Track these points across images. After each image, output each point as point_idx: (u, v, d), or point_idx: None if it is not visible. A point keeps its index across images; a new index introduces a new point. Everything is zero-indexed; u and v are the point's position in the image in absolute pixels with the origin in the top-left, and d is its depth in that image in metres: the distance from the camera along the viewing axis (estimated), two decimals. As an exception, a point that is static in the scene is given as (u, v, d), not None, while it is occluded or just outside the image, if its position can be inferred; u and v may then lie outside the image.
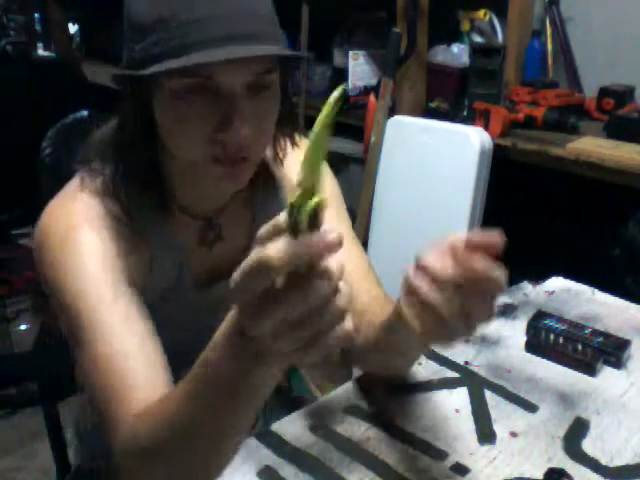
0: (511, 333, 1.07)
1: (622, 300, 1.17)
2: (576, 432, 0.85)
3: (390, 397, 0.91)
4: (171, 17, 0.65)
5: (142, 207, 0.79)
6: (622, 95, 1.83)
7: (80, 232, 0.74)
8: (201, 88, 0.68)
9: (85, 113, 1.17)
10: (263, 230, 0.46)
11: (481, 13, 2.05)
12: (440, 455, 0.81)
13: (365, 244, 1.96)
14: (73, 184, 0.80)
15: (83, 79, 3.00)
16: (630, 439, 0.84)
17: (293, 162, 0.89)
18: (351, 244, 0.89)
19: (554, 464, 0.79)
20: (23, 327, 2.52)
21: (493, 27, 2.08)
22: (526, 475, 0.78)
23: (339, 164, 2.42)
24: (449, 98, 2.04)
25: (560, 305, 1.15)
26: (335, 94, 0.47)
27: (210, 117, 0.69)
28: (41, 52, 3.50)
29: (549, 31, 1.98)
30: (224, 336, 0.54)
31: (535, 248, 1.87)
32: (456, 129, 1.83)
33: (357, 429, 0.85)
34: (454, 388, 0.93)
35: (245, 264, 0.46)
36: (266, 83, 0.70)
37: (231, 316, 0.54)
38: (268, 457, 0.81)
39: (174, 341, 0.74)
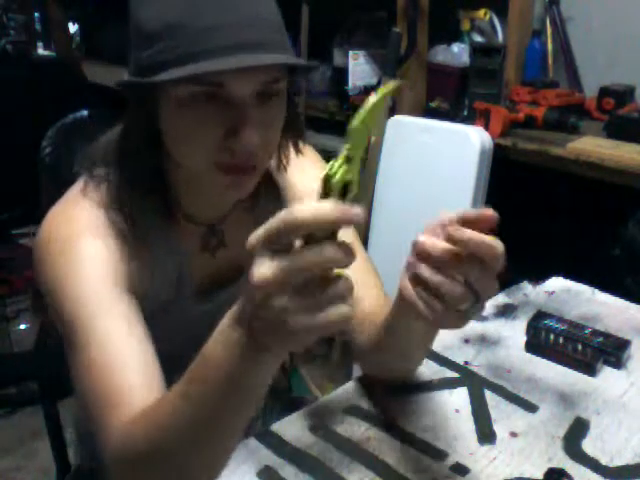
0: (511, 333, 1.07)
1: (622, 300, 1.17)
2: (576, 432, 0.85)
3: (390, 397, 0.91)
4: (180, 24, 0.65)
5: (145, 214, 0.78)
6: (622, 95, 1.83)
7: (81, 239, 0.74)
8: (209, 96, 0.67)
9: (85, 113, 1.17)
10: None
11: (481, 13, 2.04)
12: (440, 455, 0.81)
13: (365, 244, 1.96)
14: (75, 189, 0.79)
15: (83, 79, 3.00)
16: (630, 439, 0.84)
17: (297, 169, 0.89)
18: (354, 246, 0.89)
19: (554, 464, 0.79)
20: (23, 327, 2.53)
21: (493, 27, 2.08)
22: (526, 475, 0.78)
23: (339, 164, 2.42)
24: (449, 98, 2.03)
25: (560, 305, 1.15)
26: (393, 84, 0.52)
27: (219, 125, 0.69)
28: (41, 51, 3.50)
29: (549, 31, 1.98)
30: (224, 331, 0.55)
31: (535, 248, 1.87)
32: (456, 129, 1.83)
33: (357, 429, 0.85)
34: (454, 388, 0.93)
35: (273, 220, 0.48)
36: (274, 91, 0.70)
37: (232, 311, 0.54)
38: (268, 457, 0.81)
39: (170, 348, 0.74)
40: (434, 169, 1.85)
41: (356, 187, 0.50)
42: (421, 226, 0.64)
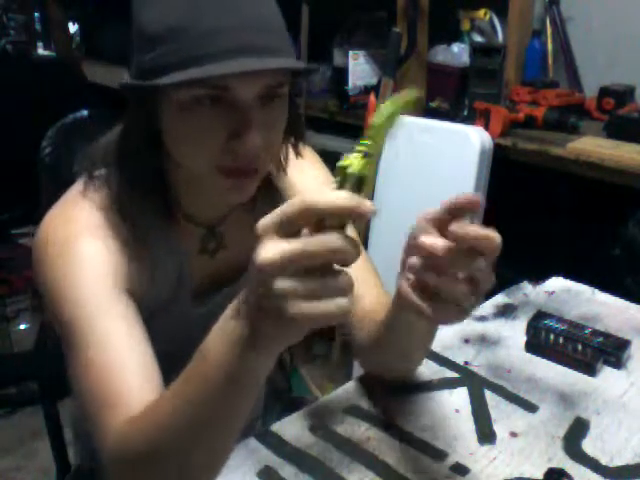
0: (511, 333, 1.07)
1: (622, 300, 1.17)
2: (576, 432, 0.85)
3: (390, 397, 0.91)
4: (183, 27, 0.65)
5: (145, 214, 0.78)
6: (622, 95, 1.83)
7: (80, 241, 0.74)
8: (213, 99, 0.67)
9: (85, 113, 1.17)
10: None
11: (481, 13, 2.04)
12: (440, 455, 0.81)
13: (365, 244, 1.96)
14: (74, 190, 0.79)
15: (83, 79, 3.00)
16: (630, 439, 0.84)
17: (296, 170, 0.89)
18: None
19: (554, 464, 0.79)
20: (23, 327, 2.53)
21: (493, 27, 2.08)
22: (526, 475, 0.78)
23: (339, 164, 2.42)
24: (449, 98, 2.03)
25: (560, 305, 1.15)
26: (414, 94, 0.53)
27: (222, 128, 0.68)
28: (41, 51, 3.50)
29: (549, 31, 1.98)
30: (223, 325, 0.55)
31: (535, 248, 1.87)
32: (456, 129, 1.83)
33: (357, 429, 0.85)
34: (454, 388, 0.93)
35: (286, 204, 0.49)
36: (277, 94, 0.71)
37: (232, 304, 0.55)
38: (268, 457, 0.81)
39: (169, 348, 0.73)
40: (434, 169, 1.85)
41: (370, 184, 0.50)
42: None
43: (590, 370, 0.96)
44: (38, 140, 1.12)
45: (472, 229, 0.57)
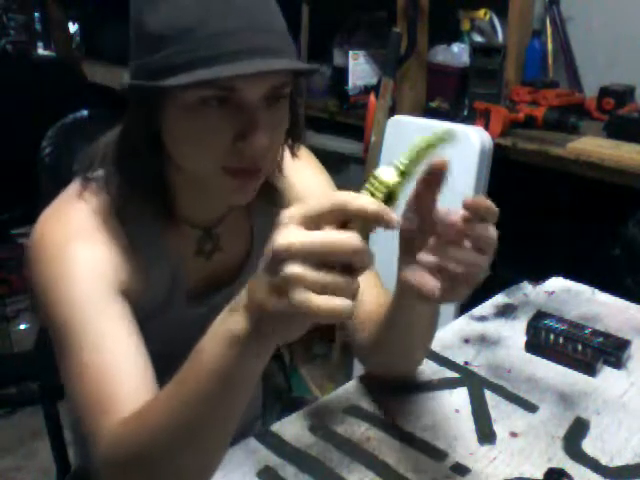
0: (511, 333, 1.07)
1: (622, 300, 1.17)
2: (576, 432, 0.85)
3: (390, 397, 0.91)
4: (190, 29, 0.65)
5: (141, 216, 0.78)
6: (622, 95, 1.82)
7: (74, 243, 0.73)
8: (219, 100, 0.67)
9: (85, 113, 1.17)
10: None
11: (481, 13, 2.04)
12: (440, 455, 0.81)
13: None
14: (70, 191, 0.79)
15: (83, 79, 3.00)
16: (630, 439, 0.84)
17: (295, 171, 0.89)
18: None
19: (554, 464, 0.79)
20: (23, 326, 2.53)
21: (493, 27, 2.08)
22: (526, 475, 0.78)
23: (339, 164, 2.42)
24: (449, 98, 2.03)
25: (560, 305, 1.15)
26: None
27: (229, 129, 0.69)
28: (41, 51, 3.50)
29: (549, 31, 1.98)
30: (219, 323, 0.56)
31: (535, 248, 1.87)
32: (456, 129, 1.83)
33: (357, 429, 0.85)
34: (454, 388, 0.93)
35: (318, 199, 0.51)
36: (281, 95, 0.71)
37: (229, 305, 0.56)
38: (268, 457, 0.81)
39: (164, 351, 0.73)
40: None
41: (396, 202, 0.54)
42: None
43: (590, 370, 0.96)
44: (38, 140, 1.12)
45: (480, 198, 0.60)
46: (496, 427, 0.86)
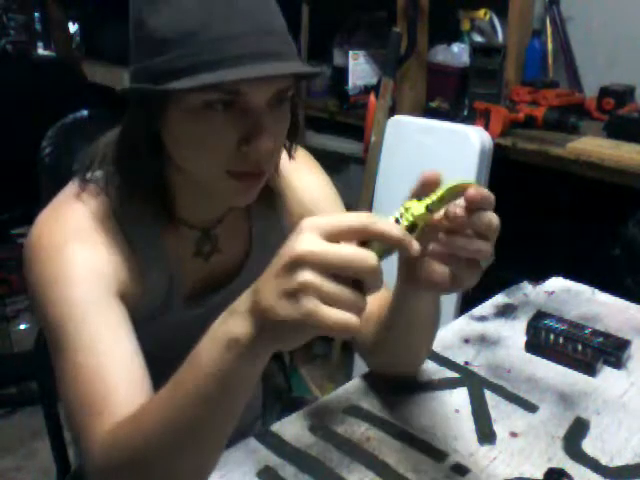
0: (511, 333, 1.07)
1: (622, 300, 1.17)
2: (576, 432, 0.85)
3: (390, 397, 0.91)
4: (195, 32, 0.65)
5: (141, 217, 0.78)
6: (622, 95, 1.82)
7: (71, 244, 0.73)
8: (224, 104, 0.67)
9: (85, 113, 1.17)
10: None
11: (481, 13, 2.04)
12: (440, 455, 0.81)
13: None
14: (67, 192, 0.79)
15: (83, 79, 3.00)
16: (630, 439, 0.84)
17: (295, 172, 0.89)
18: None
19: (554, 464, 0.79)
20: (23, 327, 2.53)
21: (493, 27, 2.08)
22: (526, 475, 0.78)
23: (339, 164, 2.42)
24: (449, 98, 2.03)
25: (560, 305, 1.15)
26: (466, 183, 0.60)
27: (234, 132, 0.69)
28: (41, 51, 3.50)
29: (549, 31, 1.98)
30: (217, 332, 0.56)
31: (535, 248, 1.87)
32: (456, 129, 1.83)
33: (357, 429, 0.85)
34: (454, 388, 0.93)
35: (344, 215, 0.52)
36: (284, 98, 0.71)
37: (230, 307, 0.55)
38: (268, 457, 0.81)
39: (162, 352, 0.73)
40: (434, 169, 1.85)
41: (419, 233, 0.58)
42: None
43: (590, 370, 0.96)
44: (38, 140, 1.12)
45: (477, 190, 0.61)
46: (496, 427, 0.86)
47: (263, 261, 0.56)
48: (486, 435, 0.84)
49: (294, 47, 0.71)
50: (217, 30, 0.65)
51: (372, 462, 0.80)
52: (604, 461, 0.80)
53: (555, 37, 1.98)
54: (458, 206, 0.62)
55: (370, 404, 0.90)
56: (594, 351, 0.97)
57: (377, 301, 0.86)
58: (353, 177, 2.37)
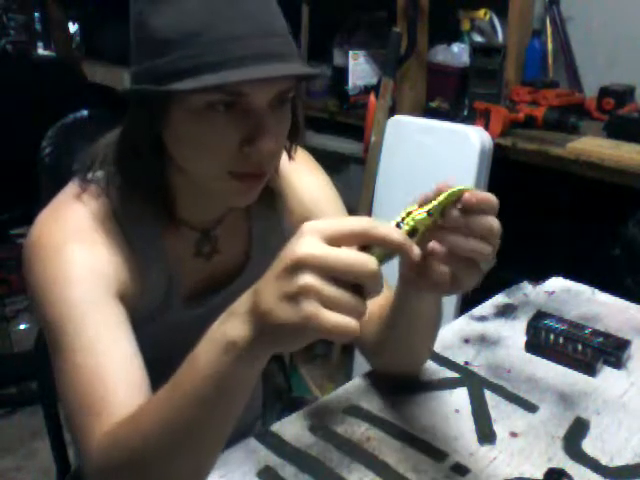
0: (511, 333, 1.07)
1: (622, 300, 1.17)
2: (576, 432, 0.85)
3: (390, 397, 0.91)
4: (198, 33, 0.65)
5: (141, 217, 0.78)
6: (622, 95, 1.82)
7: (72, 245, 0.73)
8: (226, 105, 0.67)
9: (85, 113, 1.17)
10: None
11: (481, 13, 2.04)
12: (440, 455, 0.81)
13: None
14: (67, 192, 0.78)
15: (83, 79, 3.00)
16: (630, 439, 0.84)
17: (293, 173, 0.89)
18: None
19: (554, 464, 0.79)
20: (22, 326, 2.53)
21: (493, 27, 2.08)
22: (526, 475, 0.78)
23: (339, 164, 2.42)
24: (449, 98, 2.03)
25: (560, 305, 1.15)
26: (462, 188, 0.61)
27: (236, 133, 0.69)
28: (41, 51, 3.50)
29: (549, 31, 1.98)
30: (215, 334, 0.55)
31: (535, 248, 1.87)
32: (456, 129, 1.83)
33: (357, 429, 0.85)
34: (454, 388, 0.93)
35: (347, 219, 0.52)
36: (286, 99, 0.71)
37: (227, 311, 0.55)
38: (268, 457, 0.81)
39: (161, 353, 0.73)
40: (434, 169, 1.85)
41: (419, 239, 0.58)
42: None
43: (590, 370, 0.96)
44: (38, 140, 1.12)
45: (478, 193, 0.61)
46: (496, 427, 0.86)
47: (263, 262, 0.56)
48: (486, 435, 0.84)
49: (295, 48, 0.71)
50: (220, 31, 0.65)
51: (372, 462, 0.80)
52: (604, 461, 0.80)
53: (555, 37, 1.98)
54: (456, 209, 0.62)
55: (370, 404, 0.90)
56: (594, 351, 0.97)
57: (379, 300, 0.86)
58: (353, 177, 2.37)
